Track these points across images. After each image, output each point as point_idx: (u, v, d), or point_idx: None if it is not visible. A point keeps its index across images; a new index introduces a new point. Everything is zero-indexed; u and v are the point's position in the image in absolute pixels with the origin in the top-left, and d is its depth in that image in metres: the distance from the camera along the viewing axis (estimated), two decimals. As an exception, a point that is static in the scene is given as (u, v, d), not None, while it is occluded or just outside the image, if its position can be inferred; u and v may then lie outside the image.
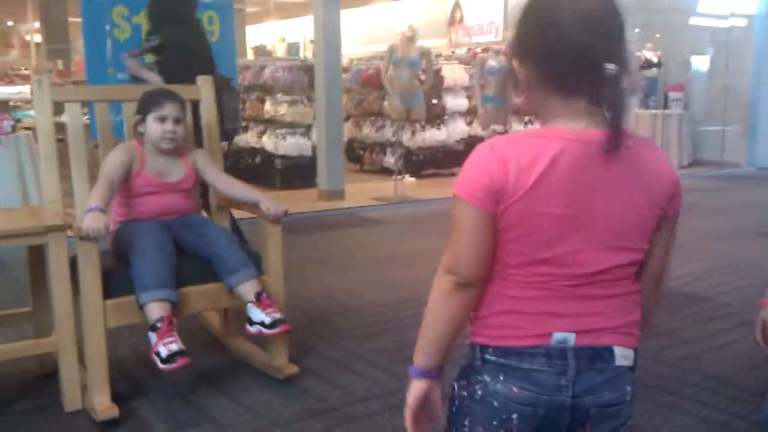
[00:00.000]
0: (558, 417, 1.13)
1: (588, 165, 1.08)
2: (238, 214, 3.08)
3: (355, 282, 4.15)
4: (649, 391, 2.63)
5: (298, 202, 6.25)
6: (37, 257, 2.71)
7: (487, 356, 1.15)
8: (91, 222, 2.29)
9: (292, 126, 7.96)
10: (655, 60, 9.93)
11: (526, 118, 9.77)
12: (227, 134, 4.08)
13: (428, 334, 1.17)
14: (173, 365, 2.30)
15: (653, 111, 9.66)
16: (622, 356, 1.15)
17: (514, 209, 1.08)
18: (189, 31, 3.87)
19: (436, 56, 9.02)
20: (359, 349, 3.05)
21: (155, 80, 3.67)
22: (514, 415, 1.13)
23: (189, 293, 2.54)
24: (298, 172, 7.83)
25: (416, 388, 1.17)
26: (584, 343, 1.12)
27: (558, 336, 1.12)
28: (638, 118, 9.42)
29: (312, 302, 3.75)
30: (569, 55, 1.07)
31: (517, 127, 9.62)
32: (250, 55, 12.33)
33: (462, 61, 9.67)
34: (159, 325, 2.36)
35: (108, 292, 2.43)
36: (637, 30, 9.98)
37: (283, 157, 7.83)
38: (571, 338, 1.12)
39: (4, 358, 2.55)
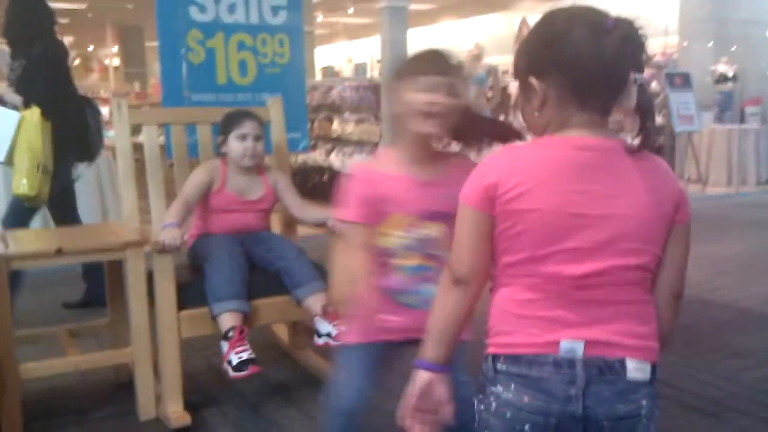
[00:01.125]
0: (570, 428, 1.13)
1: (596, 169, 1.12)
2: (304, 231, 3.13)
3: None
4: (727, 412, 2.54)
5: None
6: (115, 271, 2.83)
7: (499, 365, 1.16)
8: (168, 235, 2.40)
9: (359, 144, 8.07)
10: (730, 74, 9.65)
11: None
12: (91, 155, 4.05)
13: (430, 327, 1.22)
14: (244, 373, 2.37)
15: (729, 126, 9.36)
16: (636, 369, 1.14)
17: (512, 208, 1.13)
18: (48, 46, 3.81)
19: (503, 73, 8.99)
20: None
21: (15, 101, 3.63)
22: (527, 426, 1.13)
23: (259, 306, 2.61)
24: (364, 190, 7.90)
25: (419, 377, 1.21)
26: (594, 353, 1.12)
27: (565, 345, 1.12)
28: (713, 133, 9.14)
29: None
30: (592, 66, 1.11)
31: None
32: (319, 76, 12.56)
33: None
34: (231, 334, 2.43)
35: (182, 304, 2.51)
36: (710, 43, 9.73)
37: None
38: (579, 348, 1.12)
39: (82, 368, 2.66)
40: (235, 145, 2.74)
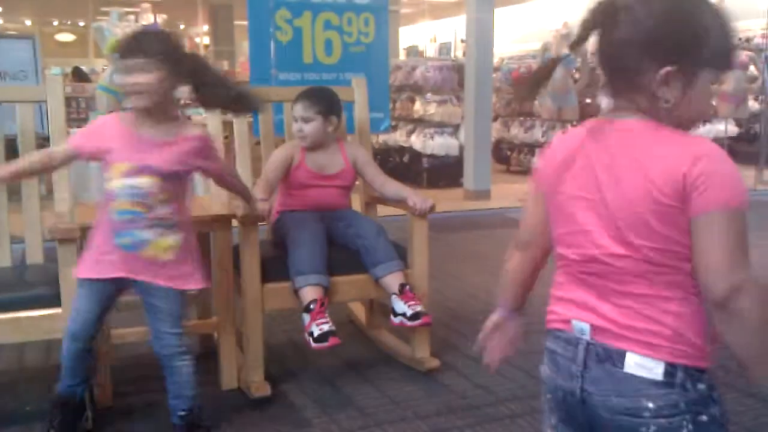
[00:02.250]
0: (576, 407, 1.17)
1: (602, 151, 1.14)
2: (383, 210, 3.15)
3: (499, 282, 4.11)
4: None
5: (444, 201, 6.26)
6: (201, 244, 2.91)
7: (545, 341, 1.26)
8: (260, 206, 2.52)
9: (440, 125, 8.03)
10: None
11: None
12: None
13: (501, 279, 1.41)
14: (324, 344, 2.44)
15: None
16: (639, 365, 1.09)
17: (549, 190, 1.22)
18: None
19: (592, 54, 8.73)
20: (502, 349, 3.02)
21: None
22: (549, 395, 1.25)
23: (337, 283, 2.65)
24: (444, 172, 7.88)
25: (492, 316, 1.41)
26: (599, 339, 1.14)
27: (576, 324, 1.18)
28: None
29: (455, 300, 3.76)
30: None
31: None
32: (402, 56, 12.53)
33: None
34: (312, 306, 2.50)
35: (265, 278, 2.58)
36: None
37: (430, 156, 7.91)
38: (586, 329, 1.16)
39: (171, 336, 2.77)
40: (293, 125, 2.85)
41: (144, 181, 2.02)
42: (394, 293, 2.63)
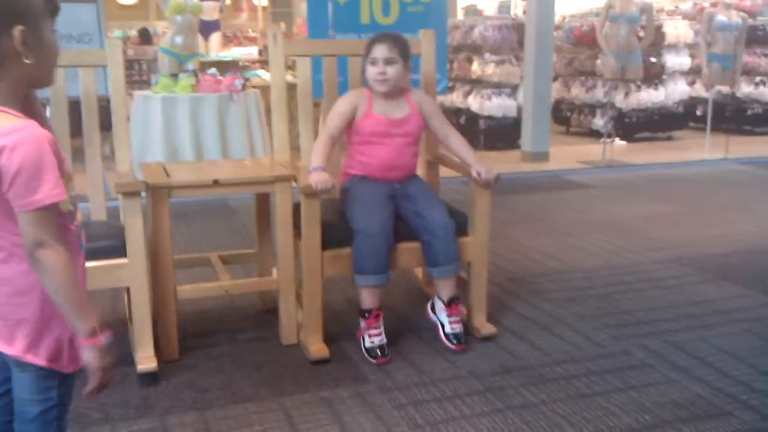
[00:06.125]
0: None
1: None
2: (444, 171, 3.13)
3: (557, 245, 4.08)
4: None
5: (501, 163, 6.22)
6: (262, 204, 2.97)
7: None
8: (319, 180, 2.48)
9: (498, 86, 7.91)
10: None
11: (757, 79, 8.90)
12: None
13: None
14: (372, 359, 2.56)
15: None
16: None
17: None
18: None
19: (658, 11, 8.45)
20: (559, 311, 3.02)
21: None
22: None
23: (401, 249, 2.67)
24: (501, 133, 7.79)
25: None
26: None
27: None
28: None
29: (512, 262, 3.75)
30: None
31: (745, 88, 8.79)
32: (460, 16, 12.31)
33: (686, 16, 8.96)
34: (367, 315, 2.60)
35: (326, 244, 2.60)
36: None
37: (487, 117, 7.81)
38: None
39: (233, 292, 2.85)
40: (369, 71, 2.73)
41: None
42: (443, 302, 2.70)
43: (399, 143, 2.78)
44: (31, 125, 1.24)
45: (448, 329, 2.68)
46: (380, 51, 2.70)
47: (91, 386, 1.33)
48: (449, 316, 2.68)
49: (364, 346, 2.60)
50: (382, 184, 2.75)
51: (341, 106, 2.77)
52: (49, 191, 1.23)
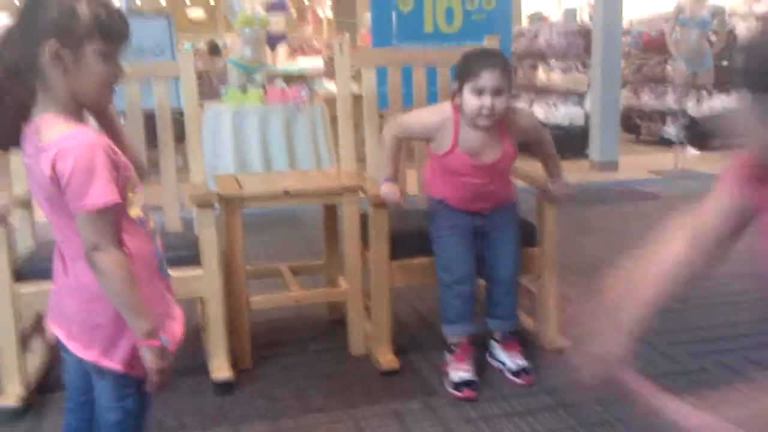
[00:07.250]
0: None
1: None
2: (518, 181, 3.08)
3: (626, 257, 3.97)
4: None
5: (569, 173, 6.04)
6: (330, 215, 3.00)
7: None
8: (389, 192, 2.46)
9: (564, 94, 7.79)
10: None
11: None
12: None
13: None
14: (459, 394, 2.40)
15: None
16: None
17: None
18: None
19: (730, 14, 8.18)
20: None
21: None
22: None
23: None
24: (569, 142, 7.65)
25: None
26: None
27: None
28: None
29: (580, 273, 3.68)
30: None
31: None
32: (525, 23, 12.20)
33: (761, 18, 8.65)
34: (454, 348, 2.49)
35: (395, 254, 2.60)
36: None
37: (554, 126, 7.70)
38: None
39: (301, 303, 2.89)
40: (469, 100, 2.30)
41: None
42: (497, 341, 2.62)
43: (488, 181, 2.48)
44: (84, 131, 1.28)
45: (510, 365, 2.55)
46: (490, 79, 2.26)
47: (148, 387, 1.37)
48: (507, 351, 2.58)
49: (451, 380, 2.44)
50: (466, 217, 2.52)
51: (426, 120, 2.47)
52: (101, 194, 1.24)
